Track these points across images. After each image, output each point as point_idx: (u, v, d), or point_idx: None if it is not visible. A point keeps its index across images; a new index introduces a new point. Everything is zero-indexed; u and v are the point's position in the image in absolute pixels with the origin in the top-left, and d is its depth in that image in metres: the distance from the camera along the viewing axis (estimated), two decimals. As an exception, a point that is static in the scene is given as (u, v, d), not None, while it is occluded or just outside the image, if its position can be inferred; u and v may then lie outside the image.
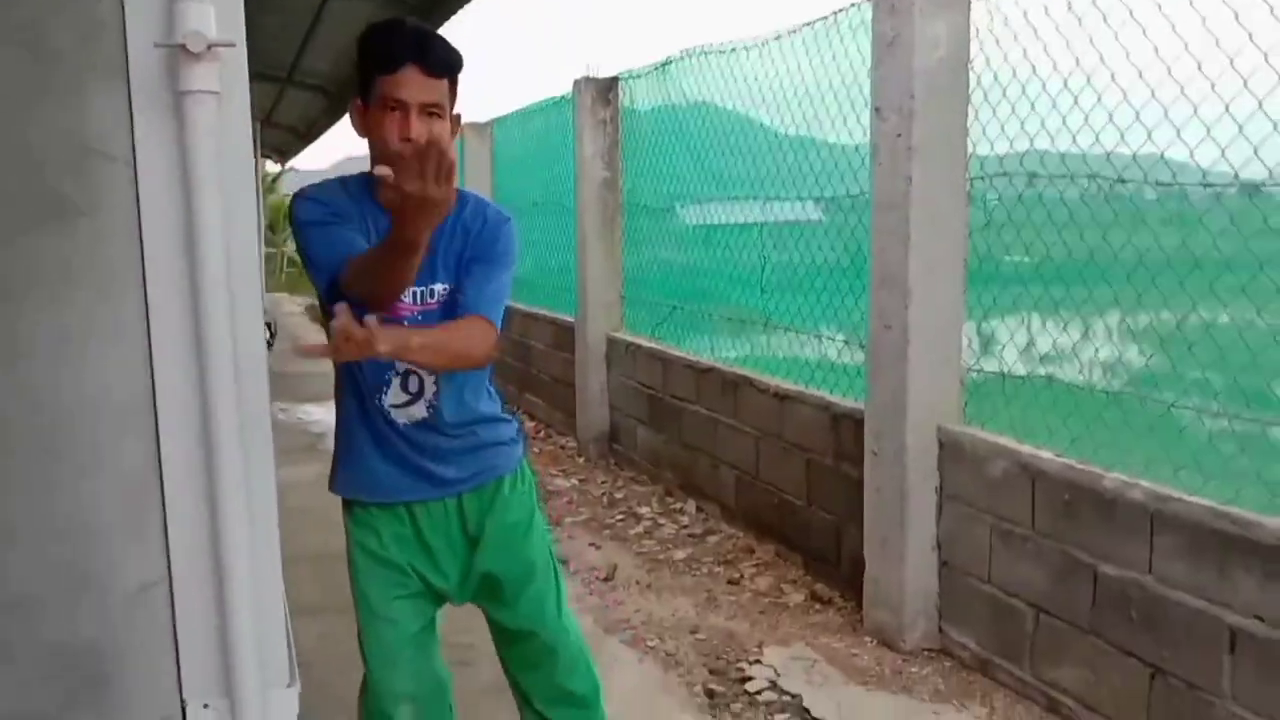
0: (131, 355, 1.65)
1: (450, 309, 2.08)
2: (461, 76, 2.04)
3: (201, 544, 1.71)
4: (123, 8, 1.58)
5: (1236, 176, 2.59)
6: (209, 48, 1.58)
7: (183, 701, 1.75)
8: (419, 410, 2.15)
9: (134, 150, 1.61)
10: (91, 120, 1.59)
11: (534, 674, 2.34)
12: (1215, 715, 2.53)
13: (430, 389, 2.14)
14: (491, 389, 2.26)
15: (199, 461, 1.69)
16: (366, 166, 2.07)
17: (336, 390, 2.25)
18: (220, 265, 1.64)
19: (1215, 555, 2.52)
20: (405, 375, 2.13)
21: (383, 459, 2.20)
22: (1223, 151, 2.57)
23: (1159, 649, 2.68)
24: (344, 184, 2.11)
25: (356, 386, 2.18)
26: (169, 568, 1.71)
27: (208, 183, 1.61)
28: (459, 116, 2.06)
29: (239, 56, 1.64)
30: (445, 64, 1.97)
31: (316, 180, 2.21)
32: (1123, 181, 2.86)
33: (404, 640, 2.29)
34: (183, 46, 1.56)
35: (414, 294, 2.07)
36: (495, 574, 2.25)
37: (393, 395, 2.15)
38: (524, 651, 2.33)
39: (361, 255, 1.92)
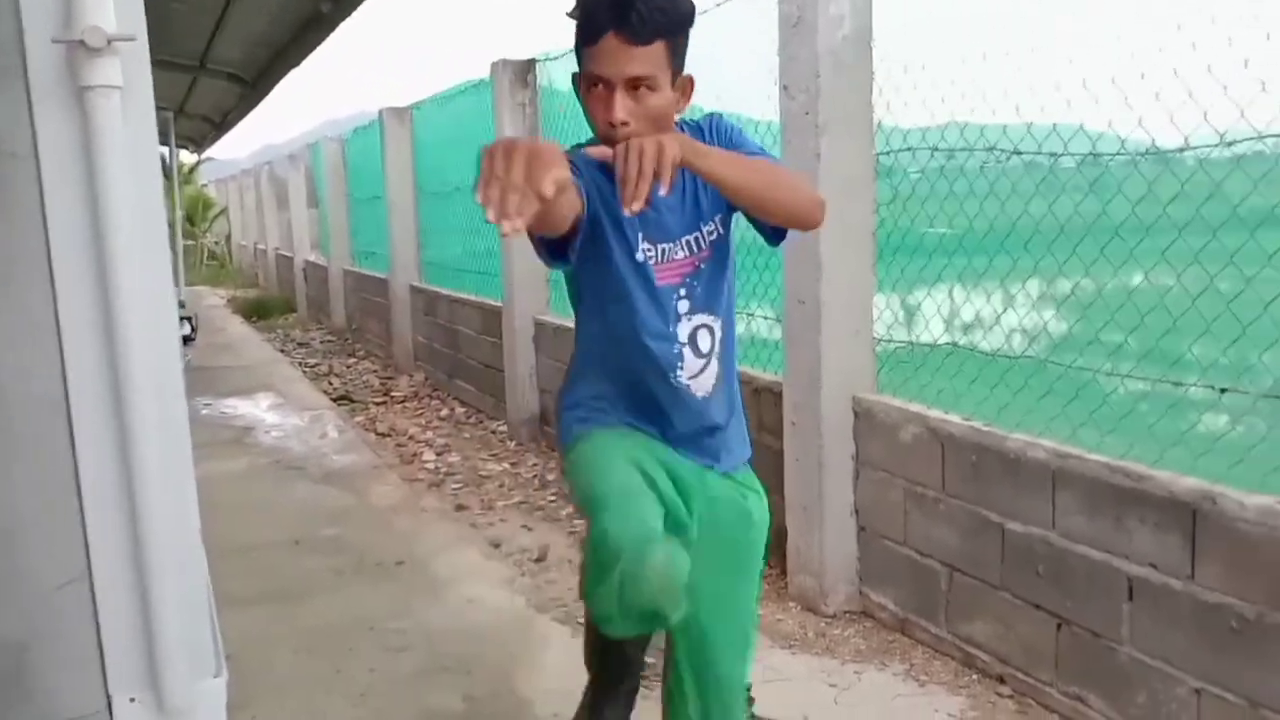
0: (42, 352, 1.65)
1: (722, 251, 1.89)
2: (688, 31, 1.75)
3: (121, 538, 1.72)
4: (17, 3, 1.57)
5: (1154, 143, 2.67)
6: (109, 42, 1.58)
7: (108, 695, 1.76)
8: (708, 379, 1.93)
9: (35, 147, 1.61)
10: (-9, 118, 1.58)
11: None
12: (1117, 660, 2.67)
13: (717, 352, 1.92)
14: None
15: (115, 456, 1.70)
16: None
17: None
18: (129, 258, 1.64)
19: (1112, 508, 2.65)
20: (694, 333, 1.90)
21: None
22: (1139, 120, 2.64)
23: (1064, 600, 2.81)
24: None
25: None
26: (89, 563, 1.72)
27: (113, 177, 1.61)
28: (688, 80, 1.77)
29: (140, 50, 1.65)
30: (654, 27, 1.66)
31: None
32: (1019, 154, 2.97)
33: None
34: (81, 42, 1.56)
35: (687, 243, 1.86)
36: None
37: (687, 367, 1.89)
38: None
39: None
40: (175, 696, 1.77)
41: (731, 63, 4.19)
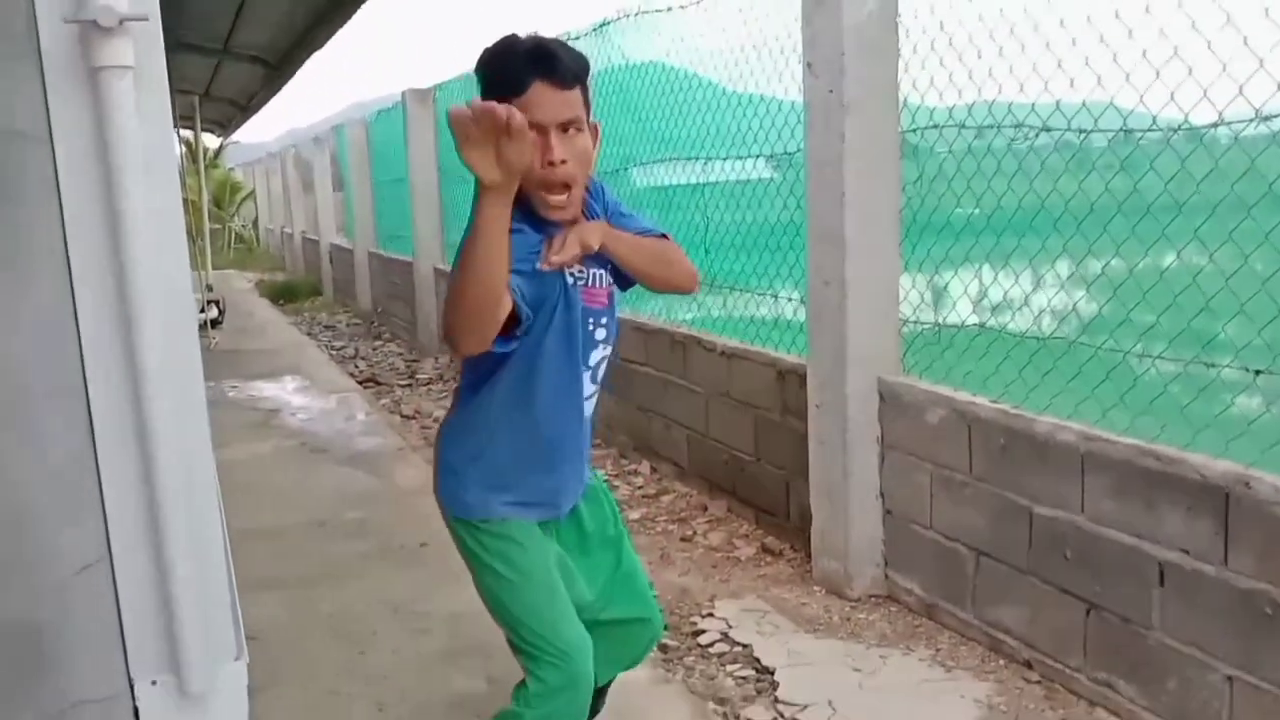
0: (60, 335, 1.65)
1: (616, 291, 2.09)
2: (590, 79, 1.91)
3: (141, 523, 1.73)
4: (30, -15, 1.56)
5: (1187, 119, 2.60)
6: (121, 22, 1.57)
7: (130, 678, 1.77)
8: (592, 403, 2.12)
9: (50, 128, 1.60)
10: (4, 99, 1.57)
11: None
12: (1147, 646, 2.63)
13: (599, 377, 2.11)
14: None
15: (134, 441, 1.70)
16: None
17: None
18: (145, 240, 1.63)
19: (1143, 492, 2.60)
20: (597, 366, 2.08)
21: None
22: (1171, 95, 2.56)
23: (1093, 585, 2.77)
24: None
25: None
26: (109, 547, 1.72)
27: (127, 158, 1.60)
28: (596, 125, 1.93)
29: (153, 30, 1.63)
30: (573, 72, 1.83)
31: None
32: (1048, 130, 2.91)
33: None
34: (94, 22, 1.55)
35: (595, 276, 2.01)
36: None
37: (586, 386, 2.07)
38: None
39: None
40: (196, 679, 1.78)
41: (754, 41, 4.15)
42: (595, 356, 2.05)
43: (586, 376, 2.05)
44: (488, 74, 1.85)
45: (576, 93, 1.84)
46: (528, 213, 1.86)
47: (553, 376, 1.99)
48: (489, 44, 1.87)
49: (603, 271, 2.02)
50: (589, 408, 2.09)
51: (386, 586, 3.79)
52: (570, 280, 1.96)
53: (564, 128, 1.82)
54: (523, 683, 2.05)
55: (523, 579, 2.04)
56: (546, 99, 1.80)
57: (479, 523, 2.05)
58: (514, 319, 1.77)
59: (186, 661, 1.77)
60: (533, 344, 1.93)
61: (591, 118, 1.91)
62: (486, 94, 1.83)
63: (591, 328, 2.02)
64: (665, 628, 2.40)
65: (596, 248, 1.87)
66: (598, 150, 1.93)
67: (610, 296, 2.06)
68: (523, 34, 1.89)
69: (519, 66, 1.81)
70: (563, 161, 1.82)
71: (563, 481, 2.12)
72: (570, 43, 5.89)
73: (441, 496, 2.11)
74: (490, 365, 1.97)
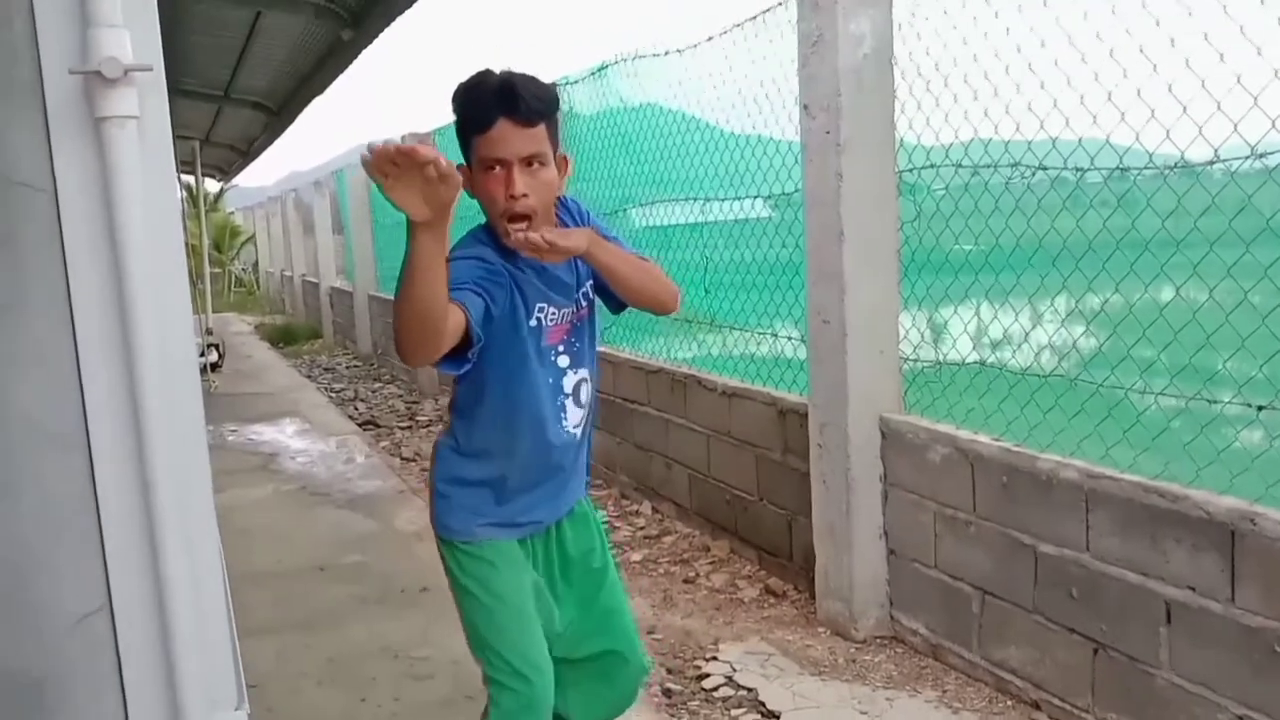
0: (61, 382, 1.65)
1: (594, 310, 2.14)
2: (558, 113, 1.98)
3: (141, 570, 1.71)
4: (35, 35, 1.58)
5: (1182, 156, 2.62)
6: (125, 73, 1.58)
7: (129, 728, 1.74)
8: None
9: (54, 178, 1.61)
10: (9, 150, 1.58)
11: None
12: (1155, 685, 2.60)
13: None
14: None
15: (135, 486, 1.69)
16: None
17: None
18: (147, 288, 1.64)
19: (1148, 529, 2.59)
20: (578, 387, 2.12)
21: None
22: (1167, 133, 2.58)
23: (1099, 624, 2.75)
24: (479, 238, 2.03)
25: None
26: (109, 595, 1.71)
27: (130, 207, 1.61)
28: (564, 158, 2.00)
29: (157, 80, 1.65)
30: (538, 109, 1.88)
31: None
32: (1044, 169, 2.93)
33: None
34: (98, 73, 1.56)
35: (576, 301, 2.08)
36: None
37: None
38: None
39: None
40: (195, 730, 1.75)
41: (749, 83, 4.18)
42: (569, 381, 2.09)
43: (566, 401, 2.08)
44: (458, 110, 1.93)
45: (541, 129, 1.90)
46: (495, 236, 1.96)
47: (528, 400, 2.03)
48: (462, 79, 1.94)
49: (570, 308, 2.06)
50: (574, 432, 2.11)
51: (387, 632, 3.76)
52: (535, 323, 2.01)
53: (528, 162, 1.89)
54: (485, 710, 2.09)
55: (495, 602, 2.07)
56: (510, 136, 1.87)
57: (460, 544, 2.09)
58: (468, 340, 1.84)
59: (187, 711, 1.74)
60: (503, 366, 1.99)
61: (559, 150, 1.98)
62: (458, 128, 1.95)
63: (555, 357, 2.07)
64: (648, 670, 2.37)
65: (583, 249, 1.89)
66: (565, 180, 2.00)
67: (573, 327, 2.09)
68: (496, 69, 1.94)
69: (485, 104, 1.88)
70: (524, 195, 1.88)
71: (544, 498, 2.13)
72: (567, 86, 5.98)
73: (432, 519, 2.16)
74: (469, 387, 2.05)
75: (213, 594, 1.79)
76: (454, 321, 1.78)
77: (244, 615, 2.61)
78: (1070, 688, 2.85)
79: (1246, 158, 2.46)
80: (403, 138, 9.48)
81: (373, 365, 11.86)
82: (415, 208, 1.59)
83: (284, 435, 7.68)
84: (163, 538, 1.69)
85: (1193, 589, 2.49)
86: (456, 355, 1.86)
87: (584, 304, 2.11)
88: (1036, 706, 2.96)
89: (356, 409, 9.02)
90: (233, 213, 30.12)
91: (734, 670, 3.34)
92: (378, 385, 10.43)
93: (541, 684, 2.06)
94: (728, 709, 3.12)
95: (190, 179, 14.94)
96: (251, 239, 27.65)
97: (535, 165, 1.90)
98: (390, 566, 4.49)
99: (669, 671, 3.39)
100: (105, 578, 1.70)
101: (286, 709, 3.15)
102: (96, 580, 1.69)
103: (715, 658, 3.45)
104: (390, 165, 1.55)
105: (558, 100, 1.98)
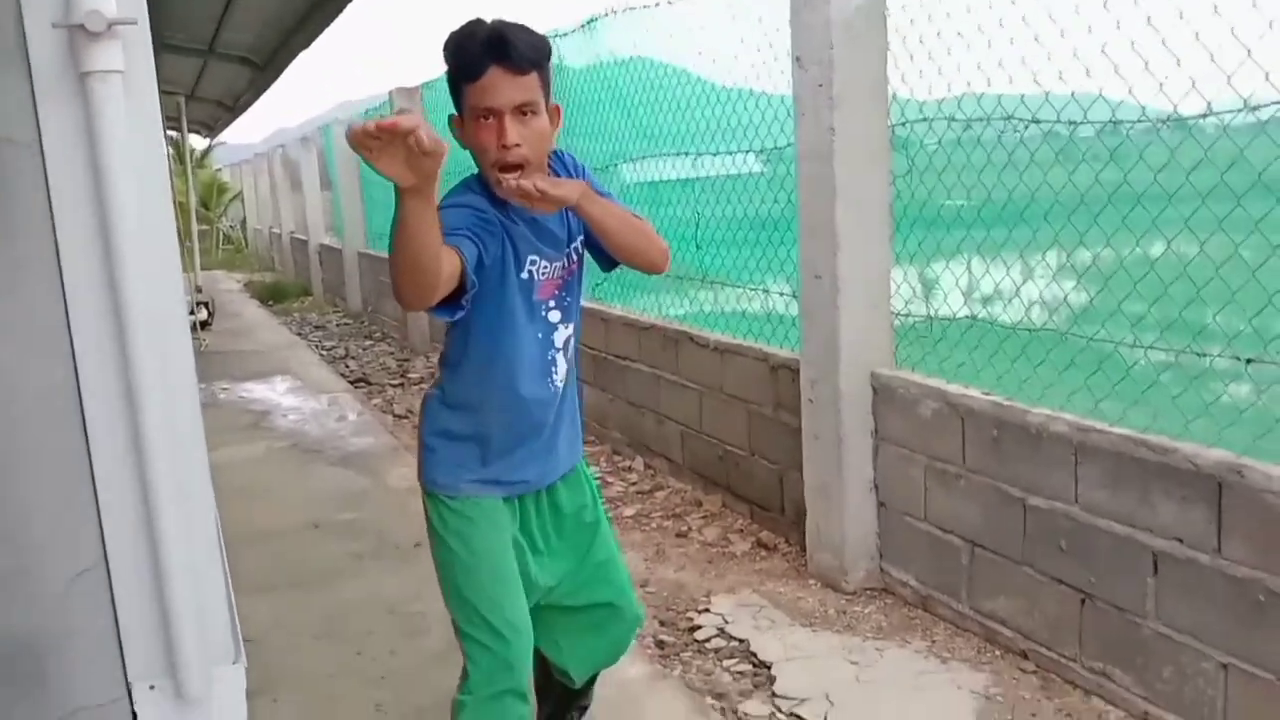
0: (52, 341, 1.64)
1: (582, 264, 2.13)
2: (550, 63, 1.97)
3: (136, 528, 1.72)
4: (17, -10, 1.55)
5: (1175, 110, 2.61)
6: (109, 26, 1.56)
7: (128, 683, 1.76)
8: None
9: (39, 133, 1.59)
10: (-8, 105, 1.56)
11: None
12: (1142, 635, 2.64)
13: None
14: None
15: (128, 446, 1.69)
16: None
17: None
18: (136, 245, 1.63)
19: (1137, 482, 2.62)
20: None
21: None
22: (1160, 86, 2.57)
23: (1088, 575, 2.78)
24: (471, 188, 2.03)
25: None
26: (105, 553, 1.72)
27: (117, 162, 1.60)
28: (557, 108, 1.98)
29: (141, 33, 1.63)
30: (530, 58, 1.87)
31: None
32: (1036, 122, 2.91)
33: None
34: (81, 26, 1.54)
35: (566, 255, 2.08)
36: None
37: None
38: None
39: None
40: (194, 683, 1.77)
41: (741, 36, 4.14)
42: (560, 336, 2.10)
43: (557, 355, 2.10)
44: (449, 59, 1.92)
45: (533, 77, 1.89)
46: (486, 186, 1.96)
47: (513, 351, 2.04)
48: (454, 28, 1.92)
49: (561, 262, 2.07)
50: (560, 386, 2.12)
51: (382, 587, 3.79)
52: (529, 269, 2.02)
53: (520, 111, 1.88)
54: (464, 672, 2.10)
55: (475, 559, 2.08)
56: (502, 84, 1.86)
57: (445, 498, 2.11)
58: (461, 287, 1.85)
59: (184, 665, 1.76)
60: (492, 317, 2.00)
61: (551, 100, 1.96)
62: (449, 78, 1.94)
63: (547, 312, 2.07)
64: (641, 620, 2.40)
65: (574, 200, 1.89)
66: (557, 131, 1.99)
67: (564, 282, 2.10)
68: (487, 17, 1.93)
69: (476, 53, 1.87)
70: (516, 145, 1.88)
71: (530, 457, 2.13)
72: (558, 39, 5.91)
73: (419, 472, 2.17)
74: (459, 338, 2.06)
75: (207, 549, 1.80)
76: (449, 267, 1.79)
77: (239, 573, 2.62)
78: (1058, 638, 2.89)
79: (1239, 111, 2.45)
80: (390, 93, 9.39)
81: (363, 323, 11.83)
82: (402, 176, 1.59)
83: (275, 393, 7.67)
84: (156, 494, 1.70)
85: (1180, 540, 2.52)
86: (450, 302, 1.87)
87: (575, 258, 2.11)
88: (1025, 656, 3.00)
89: (347, 366, 9.02)
90: (219, 170, 29.87)
91: (726, 622, 3.38)
92: (369, 343, 10.42)
93: (519, 644, 2.08)
94: (720, 659, 3.16)
95: (176, 135, 14.80)
96: (239, 196, 27.44)
97: (527, 114, 1.89)
98: (384, 523, 4.52)
99: (662, 623, 3.43)
100: (101, 535, 1.71)
101: (284, 663, 3.19)
102: (92, 538, 1.70)
103: (707, 610, 3.49)
104: (372, 140, 1.53)
105: (550, 49, 1.96)
